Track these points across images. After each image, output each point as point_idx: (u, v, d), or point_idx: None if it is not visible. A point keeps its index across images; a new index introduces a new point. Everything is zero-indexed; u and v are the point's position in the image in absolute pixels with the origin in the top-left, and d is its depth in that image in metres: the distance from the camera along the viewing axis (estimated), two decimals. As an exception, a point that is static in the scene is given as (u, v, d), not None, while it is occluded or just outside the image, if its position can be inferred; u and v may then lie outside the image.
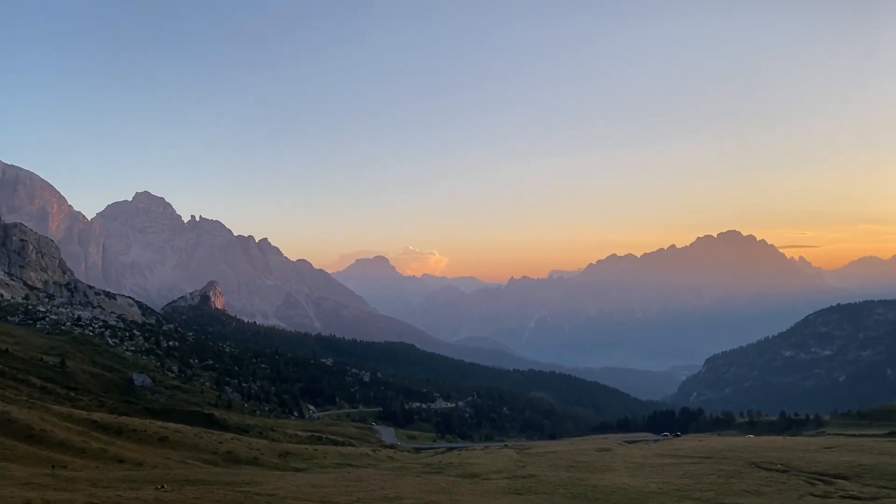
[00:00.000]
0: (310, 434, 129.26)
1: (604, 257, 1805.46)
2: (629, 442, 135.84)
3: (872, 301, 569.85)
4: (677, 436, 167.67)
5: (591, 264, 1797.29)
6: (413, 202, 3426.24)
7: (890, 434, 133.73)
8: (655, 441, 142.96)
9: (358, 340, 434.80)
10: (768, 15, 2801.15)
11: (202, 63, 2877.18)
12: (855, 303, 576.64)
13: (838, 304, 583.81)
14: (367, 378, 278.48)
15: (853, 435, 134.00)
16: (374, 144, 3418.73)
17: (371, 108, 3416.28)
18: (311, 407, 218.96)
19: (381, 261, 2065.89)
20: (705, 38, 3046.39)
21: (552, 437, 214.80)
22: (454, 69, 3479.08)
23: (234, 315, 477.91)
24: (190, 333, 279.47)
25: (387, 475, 63.09)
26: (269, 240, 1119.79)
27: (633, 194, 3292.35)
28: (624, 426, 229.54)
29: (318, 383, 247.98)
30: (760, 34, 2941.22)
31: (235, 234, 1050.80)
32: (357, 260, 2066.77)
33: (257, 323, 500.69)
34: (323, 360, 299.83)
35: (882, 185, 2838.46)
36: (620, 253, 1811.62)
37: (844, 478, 52.64)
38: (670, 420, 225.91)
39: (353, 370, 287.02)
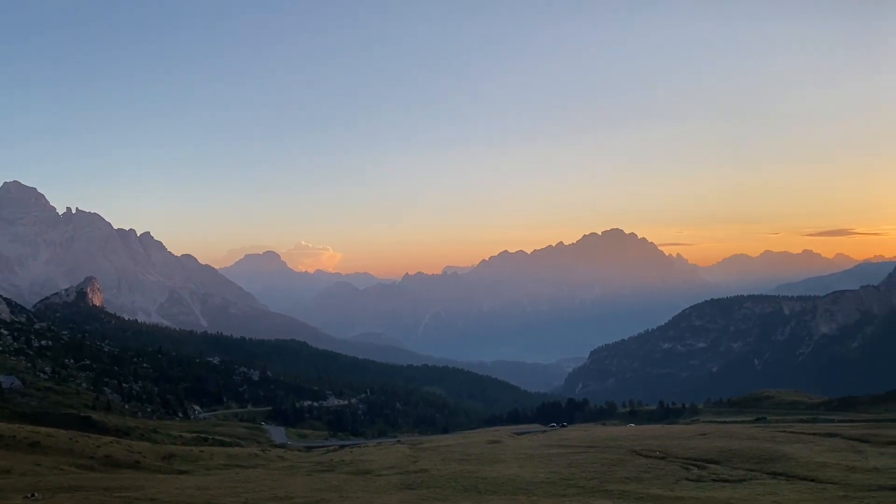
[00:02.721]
0: (195, 435, 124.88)
1: (496, 253, 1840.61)
2: (519, 433, 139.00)
3: (742, 296, 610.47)
4: (564, 426, 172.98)
5: (484, 260, 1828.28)
6: (306, 197, 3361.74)
7: (757, 420, 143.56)
8: (543, 432, 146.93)
9: (247, 338, 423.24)
10: (661, 20, 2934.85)
11: (77, 46, 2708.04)
12: (726, 298, 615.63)
13: (712, 299, 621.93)
14: (256, 377, 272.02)
15: (724, 422, 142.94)
16: (263, 136, 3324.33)
17: (261, 100, 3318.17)
18: (197, 407, 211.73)
19: (271, 256, 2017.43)
20: (594, 40, 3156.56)
21: (445, 430, 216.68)
22: (350, 67, 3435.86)
23: (113, 312, 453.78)
24: (65, 332, 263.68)
25: (276, 475, 61.87)
26: (152, 233, 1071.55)
27: (524, 192, 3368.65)
28: (514, 418, 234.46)
29: (204, 383, 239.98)
30: (649, 36, 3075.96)
31: (115, 227, 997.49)
32: (246, 255, 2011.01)
33: (139, 321, 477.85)
34: (209, 359, 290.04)
35: (749, 187, 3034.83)
36: (512, 249, 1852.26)
37: (716, 462, 55.93)
38: (557, 411, 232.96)
39: (242, 369, 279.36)
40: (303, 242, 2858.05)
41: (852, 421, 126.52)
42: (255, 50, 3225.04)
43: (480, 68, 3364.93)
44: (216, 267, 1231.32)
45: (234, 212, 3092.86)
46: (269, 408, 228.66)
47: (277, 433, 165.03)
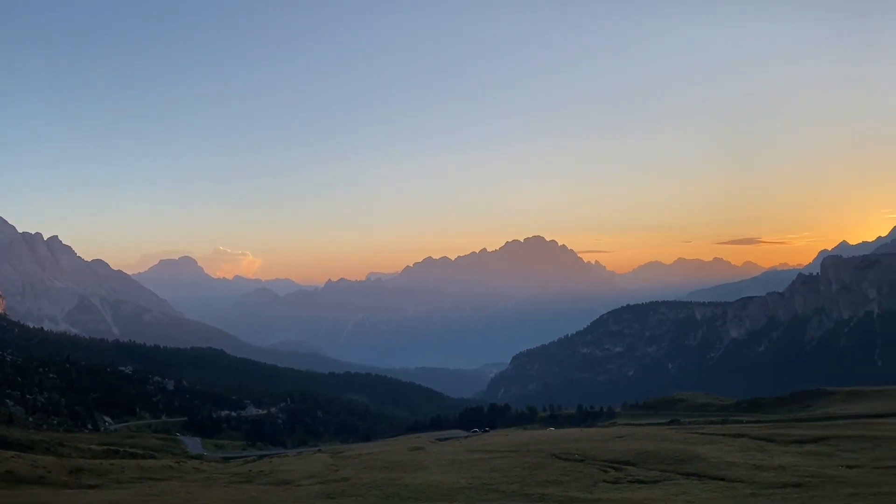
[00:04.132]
0: (105, 448, 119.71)
1: (420, 260, 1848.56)
2: (441, 439, 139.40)
3: (657, 302, 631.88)
4: (486, 431, 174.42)
5: (408, 266, 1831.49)
6: (224, 200, 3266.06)
7: (671, 422, 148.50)
8: (466, 437, 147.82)
9: (161, 346, 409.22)
10: (583, 30, 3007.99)
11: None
12: (642, 304, 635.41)
13: (628, 305, 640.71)
14: (171, 386, 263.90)
15: (640, 424, 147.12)
16: (179, 137, 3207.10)
17: (176, 100, 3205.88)
18: (108, 419, 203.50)
19: (187, 261, 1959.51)
20: (515, 49, 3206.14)
21: (367, 438, 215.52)
22: (267, 69, 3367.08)
23: (17, 320, 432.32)
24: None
25: (192, 487, 59.97)
26: (60, 237, 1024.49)
27: (448, 199, 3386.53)
28: (437, 424, 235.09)
29: (115, 393, 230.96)
30: (569, 45, 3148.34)
31: (20, 230, 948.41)
32: (161, 260, 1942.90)
33: (45, 329, 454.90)
34: (121, 368, 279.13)
35: (663, 196, 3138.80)
36: (436, 256, 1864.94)
37: (632, 464, 57.45)
38: (480, 416, 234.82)
39: (156, 378, 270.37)
40: (221, 247, 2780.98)
41: (759, 421, 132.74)
42: (166, 48, 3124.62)
43: (403, 75, 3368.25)
44: (129, 273, 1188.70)
45: (149, 215, 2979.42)
46: (185, 418, 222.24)
47: (193, 444, 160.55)
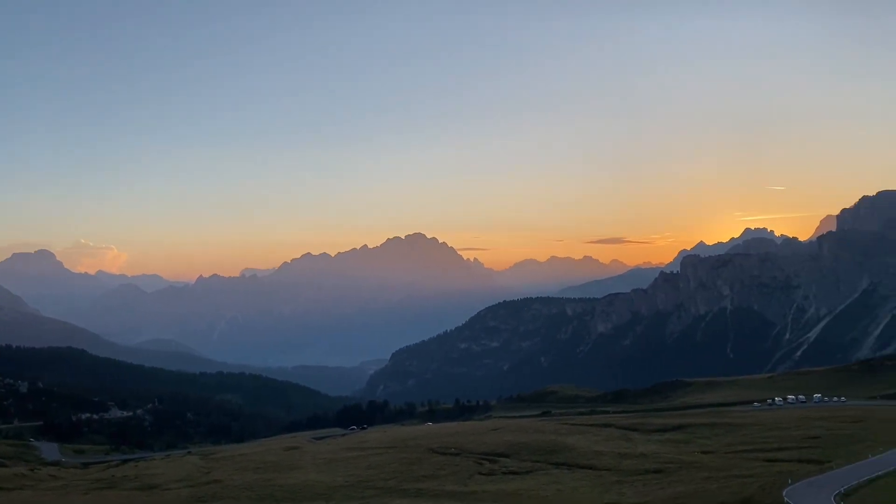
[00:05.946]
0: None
1: (298, 256, 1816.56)
2: (318, 438, 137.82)
3: (531, 298, 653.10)
4: (364, 428, 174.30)
5: (285, 262, 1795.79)
6: (86, 190, 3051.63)
7: (543, 414, 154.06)
8: (343, 435, 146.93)
9: (14, 346, 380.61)
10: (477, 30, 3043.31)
11: None
12: (517, 300, 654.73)
13: (504, 301, 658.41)
14: (24, 388, 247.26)
15: (514, 416, 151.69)
16: (34, 116, 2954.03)
17: (35, 83, 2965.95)
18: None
19: (45, 255, 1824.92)
20: (403, 49, 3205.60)
21: (240, 439, 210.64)
22: (132, 58, 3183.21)
23: None
24: None
25: (48, 496, 56.31)
26: None
27: (328, 194, 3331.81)
28: (314, 423, 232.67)
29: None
30: (455, 47, 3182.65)
31: None
32: (14, 253, 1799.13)
33: None
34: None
35: (537, 195, 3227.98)
36: (315, 252, 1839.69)
37: (506, 456, 59.20)
38: (358, 413, 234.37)
39: (7, 380, 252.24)
40: (82, 241, 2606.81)
41: (624, 412, 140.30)
42: (36, 35, 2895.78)
43: (281, 69, 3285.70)
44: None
45: (1, 204, 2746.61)
46: (41, 422, 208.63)
47: (50, 450, 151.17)
